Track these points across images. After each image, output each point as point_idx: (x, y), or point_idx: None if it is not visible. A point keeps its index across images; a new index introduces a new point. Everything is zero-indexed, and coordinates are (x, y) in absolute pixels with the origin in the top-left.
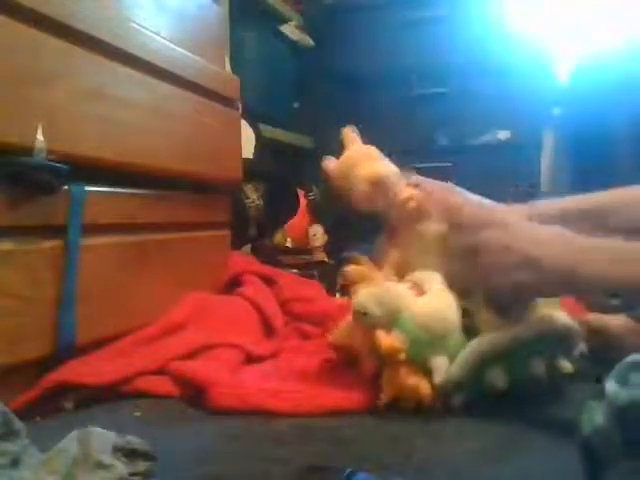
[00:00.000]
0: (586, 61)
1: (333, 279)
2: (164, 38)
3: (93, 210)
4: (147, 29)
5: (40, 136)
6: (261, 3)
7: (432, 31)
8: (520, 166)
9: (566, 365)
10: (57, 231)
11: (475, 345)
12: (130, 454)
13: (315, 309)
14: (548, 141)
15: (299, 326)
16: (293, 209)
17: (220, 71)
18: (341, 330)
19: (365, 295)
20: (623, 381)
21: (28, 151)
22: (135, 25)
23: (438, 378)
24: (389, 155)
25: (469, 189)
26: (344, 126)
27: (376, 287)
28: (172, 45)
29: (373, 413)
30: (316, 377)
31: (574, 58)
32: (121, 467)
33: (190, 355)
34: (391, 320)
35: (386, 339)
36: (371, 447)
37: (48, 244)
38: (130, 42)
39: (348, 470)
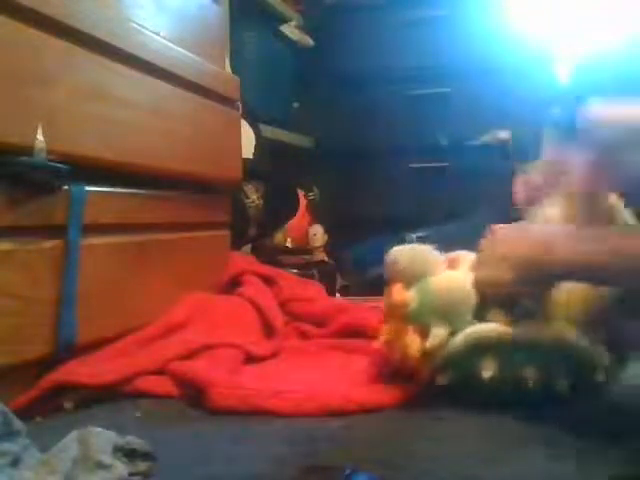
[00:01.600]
0: (586, 61)
1: (333, 279)
2: (164, 38)
3: (93, 210)
4: (147, 29)
5: (40, 136)
6: (261, 3)
7: (432, 31)
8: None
9: (562, 384)
10: (57, 231)
11: (473, 329)
12: (130, 454)
13: (315, 309)
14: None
15: (299, 326)
16: (293, 209)
17: (220, 71)
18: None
19: (402, 249)
20: None
21: (28, 151)
22: (135, 25)
23: (429, 343)
24: None
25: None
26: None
27: (416, 248)
28: (172, 45)
29: (373, 413)
30: (316, 377)
31: (574, 58)
32: (121, 467)
33: (190, 355)
34: (413, 278)
35: (399, 291)
36: (371, 447)
37: (48, 244)
38: (130, 42)
39: (348, 470)
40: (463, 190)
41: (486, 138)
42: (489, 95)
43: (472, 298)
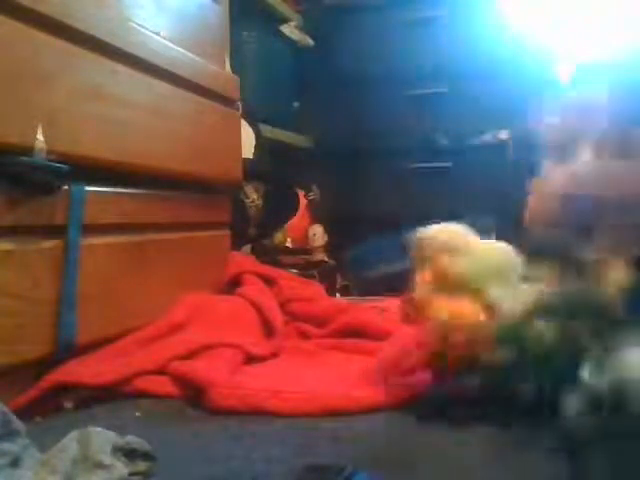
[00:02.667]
0: (587, 61)
1: (333, 279)
2: (164, 38)
3: (93, 210)
4: (147, 29)
5: (40, 136)
6: (261, 3)
7: (432, 31)
8: (520, 166)
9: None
10: (57, 231)
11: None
12: (130, 454)
13: (315, 309)
14: None
15: (299, 326)
16: (293, 209)
17: (220, 71)
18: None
19: (435, 227)
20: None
21: (28, 151)
22: (135, 25)
23: (492, 305)
24: None
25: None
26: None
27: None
28: (172, 45)
29: (373, 413)
30: (316, 377)
31: (575, 58)
32: (121, 467)
33: (190, 355)
34: (455, 250)
35: (448, 260)
36: (371, 447)
37: (48, 244)
38: (130, 42)
39: (348, 470)
40: (463, 190)
41: (486, 138)
42: (489, 95)
43: (519, 264)
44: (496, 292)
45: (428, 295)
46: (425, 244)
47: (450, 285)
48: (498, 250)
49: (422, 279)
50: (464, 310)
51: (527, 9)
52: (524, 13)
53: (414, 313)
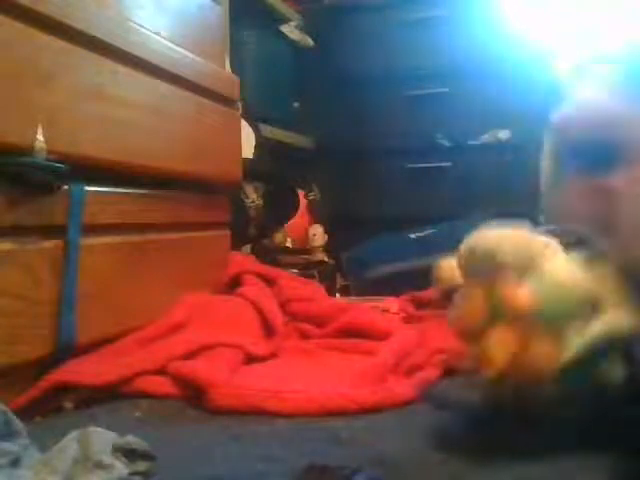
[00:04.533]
0: (587, 61)
1: (333, 279)
2: (164, 38)
3: (93, 210)
4: (147, 29)
5: (40, 136)
6: (261, 3)
7: (432, 31)
8: (520, 166)
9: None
10: (57, 231)
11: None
12: (129, 454)
13: (315, 309)
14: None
15: (299, 326)
16: (293, 209)
17: (220, 71)
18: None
19: (496, 233)
20: None
21: (28, 151)
22: (135, 25)
23: (568, 355)
24: None
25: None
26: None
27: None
28: (172, 45)
29: (373, 413)
30: (316, 377)
31: (574, 58)
32: (121, 467)
33: (190, 355)
34: (520, 270)
35: (516, 289)
36: (371, 447)
37: (48, 244)
38: (130, 42)
39: (348, 470)
40: (463, 190)
41: (486, 138)
42: (489, 95)
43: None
44: (574, 338)
45: (482, 324)
46: (481, 254)
47: (514, 315)
48: (578, 274)
49: (473, 301)
50: (536, 352)
51: (527, 9)
52: (524, 13)
53: (460, 341)
